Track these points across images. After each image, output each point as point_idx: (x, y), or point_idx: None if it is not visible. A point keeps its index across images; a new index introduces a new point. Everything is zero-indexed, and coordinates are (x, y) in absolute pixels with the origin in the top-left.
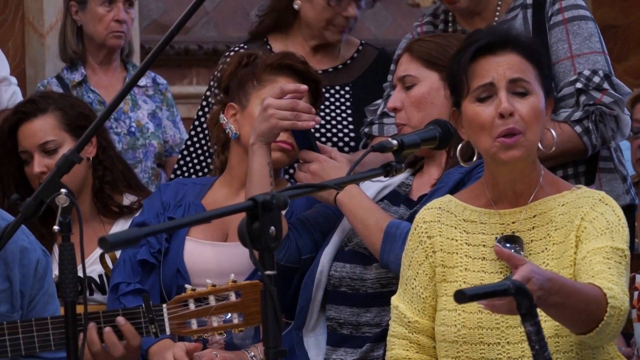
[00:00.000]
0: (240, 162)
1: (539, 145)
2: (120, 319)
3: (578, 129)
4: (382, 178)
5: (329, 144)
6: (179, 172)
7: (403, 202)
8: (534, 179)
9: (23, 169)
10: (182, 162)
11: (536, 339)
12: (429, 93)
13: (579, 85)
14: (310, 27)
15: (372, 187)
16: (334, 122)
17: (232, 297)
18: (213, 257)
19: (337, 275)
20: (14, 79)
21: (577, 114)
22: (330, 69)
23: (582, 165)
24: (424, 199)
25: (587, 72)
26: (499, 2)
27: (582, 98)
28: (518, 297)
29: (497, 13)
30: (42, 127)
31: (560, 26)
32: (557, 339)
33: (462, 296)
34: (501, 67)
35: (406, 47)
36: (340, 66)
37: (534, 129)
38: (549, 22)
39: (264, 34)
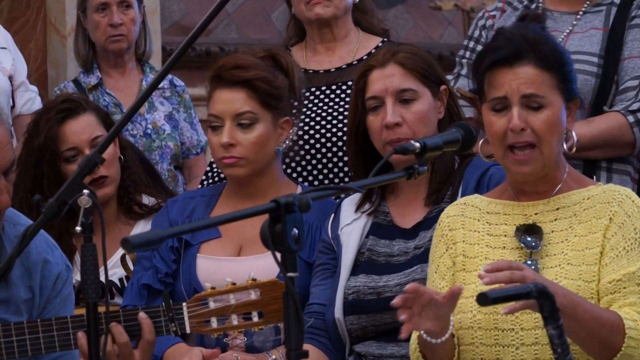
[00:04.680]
0: (227, 177)
1: (564, 146)
2: (142, 314)
3: (631, 118)
4: (347, 216)
5: (334, 139)
6: (210, 174)
7: (399, 235)
8: (557, 178)
9: (59, 168)
10: (214, 166)
11: (558, 342)
12: (429, 110)
13: None
14: (303, 21)
15: (356, 227)
16: (340, 117)
17: (252, 295)
18: (229, 272)
19: (356, 327)
20: (33, 87)
21: (635, 105)
22: (344, 66)
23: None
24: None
25: None
26: None
27: None
28: (540, 299)
29: (587, 3)
30: (90, 123)
31: None
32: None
33: (485, 299)
34: (515, 81)
35: (393, 59)
36: (355, 62)
37: (549, 142)
38: (630, 21)
39: (287, 44)
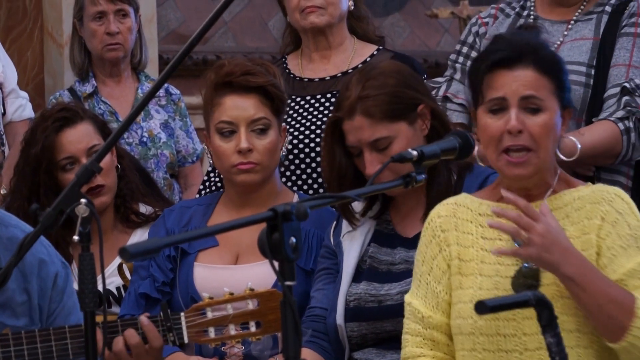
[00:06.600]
0: (228, 185)
1: (559, 153)
2: (144, 319)
3: (621, 126)
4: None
5: None
6: (207, 184)
7: (400, 244)
8: (549, 182)
9: (56, 177)
10: (211, 175)
11: (557, 350)
12: (408, 143)
13: (626, 85)
14: (298, 29)
15: (357, 234)
16: None
17: (250, 305)
18: (226, 281)
19: (356, 334)
20: (24, 93)
21: (619, 113)
22: (339, 75)
23: (630, 180)
24: None
25: (638, 81)
26: (584, 3)
27: (626, 98)
28: (538, 308)
29: (578, 11)
30: (87, 132)
31: (630, 37)
32: (578, 334)
33: (483, 307)
34: (515, 82)
35: (359, 109)
36: (350, 70)
37: (545, 146)
38: (620, 30)
39: (283, 52)
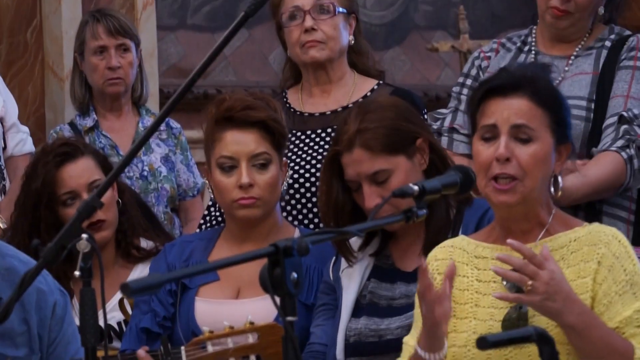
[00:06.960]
0: (229, 220)
1: (552, 190)
2: (141, 352)
3: (624, 155)
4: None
5: None
6: (207, 218)
7: (400, 279)
8: (542, 218)
9: (57, 212)
10: (211, 209)
11: None
12: (406, 177)
13: (624, 114)
14: (298, 63)
15: (356, 269)
16: None
17: (250, 339)
18: (227, 315)
19: None
20: (24, 128)
21: (619, 142)
22: (340, 109)
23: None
24: None
25: (636, 111)
26: (584, 39)
27: (624, 126)
28: (540, 343)
29: (579, 47)
30: (88, 167)
31: (629, 70)
32: None
33: (484, 343)
34: (507, 110)
35: (357, 142)
36: (350, 105)
37: (533, 176)
38: (619, 63)
39: (283, 86)
